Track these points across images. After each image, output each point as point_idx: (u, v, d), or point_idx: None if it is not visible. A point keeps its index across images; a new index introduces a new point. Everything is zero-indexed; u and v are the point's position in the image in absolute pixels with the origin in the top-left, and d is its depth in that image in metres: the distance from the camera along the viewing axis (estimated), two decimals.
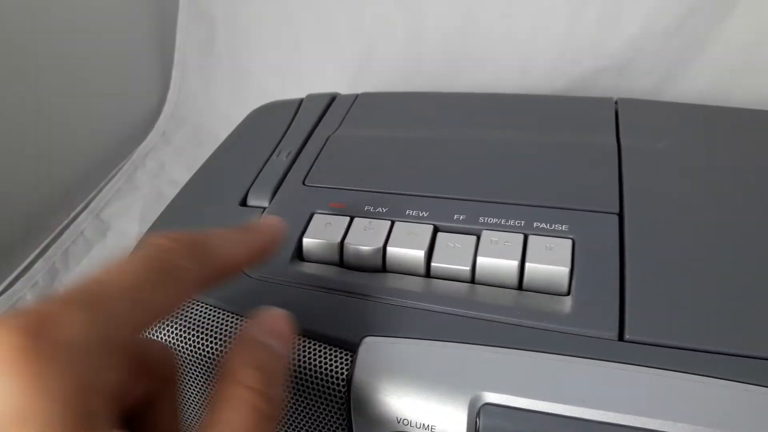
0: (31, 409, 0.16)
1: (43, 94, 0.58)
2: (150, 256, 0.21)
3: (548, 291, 0.30)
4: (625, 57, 0.59)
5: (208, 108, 0.73)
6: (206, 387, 0.30)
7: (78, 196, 0.62)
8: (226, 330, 0.29)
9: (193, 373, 0.30)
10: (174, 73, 0.74)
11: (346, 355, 0.27)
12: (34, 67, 0.57)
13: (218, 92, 0.74)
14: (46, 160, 0.59)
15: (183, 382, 0.31)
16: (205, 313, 0.30)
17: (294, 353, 0.27)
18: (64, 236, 0.58)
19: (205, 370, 0.30)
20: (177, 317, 0.30)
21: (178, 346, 0.30)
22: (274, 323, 0.24)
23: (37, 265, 0.54)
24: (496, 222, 0.32)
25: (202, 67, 0.74)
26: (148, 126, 0.72)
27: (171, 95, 0.74)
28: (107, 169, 0.66)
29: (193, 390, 0.31)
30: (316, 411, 0.28)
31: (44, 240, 0.57)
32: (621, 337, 0.26)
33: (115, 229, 0.60)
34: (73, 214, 0.60)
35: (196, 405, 0.31)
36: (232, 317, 0.30)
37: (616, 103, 0.42)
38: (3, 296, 0.51)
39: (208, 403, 0.21)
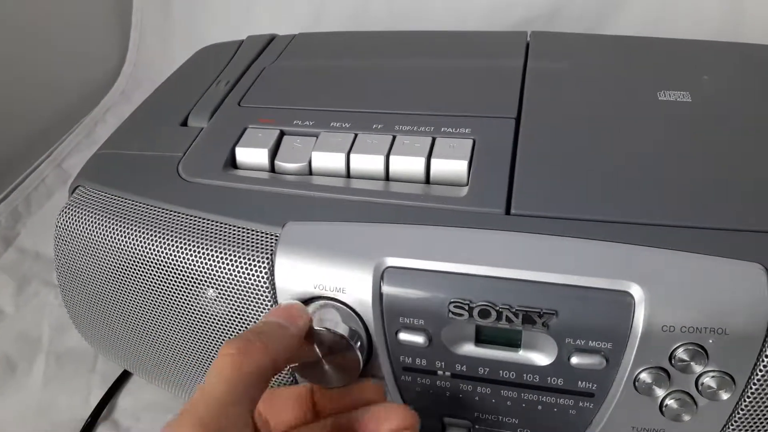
0: None
1: (9, 52, 0.61)
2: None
3: (451, 183, 0.34)
4: (554, 8, 0.64)
5: (166, 69, 0.76)
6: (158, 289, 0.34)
7: (40, 147, 0.64)
8: (163, 224, 0.33)
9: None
10: (132, 35, 0.77)
11: (271, 237, 0.31)
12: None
13: (176, 54, 0.76)
14: (10, 113, 0.62)
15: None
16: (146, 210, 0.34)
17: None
18: (26, 183, 0.60)
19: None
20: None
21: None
22: (282, 309, 0.29)
23: (0, 207, 0.57)
24: (409, 129, 0.36)
25: (160, 29, 0.77)
26: (108, 85, 0.75)
27: (130, 56, 0.77)
28: (68, 124, 0.69)
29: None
30: (247, 280, 0.31)
31: (7, 186, 0.59)
32: (507, 212, 0.31)
33: None
34: (35, 164, 0.63)
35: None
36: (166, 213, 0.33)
37: (529, 36, 0.46)
38: None
39: None
